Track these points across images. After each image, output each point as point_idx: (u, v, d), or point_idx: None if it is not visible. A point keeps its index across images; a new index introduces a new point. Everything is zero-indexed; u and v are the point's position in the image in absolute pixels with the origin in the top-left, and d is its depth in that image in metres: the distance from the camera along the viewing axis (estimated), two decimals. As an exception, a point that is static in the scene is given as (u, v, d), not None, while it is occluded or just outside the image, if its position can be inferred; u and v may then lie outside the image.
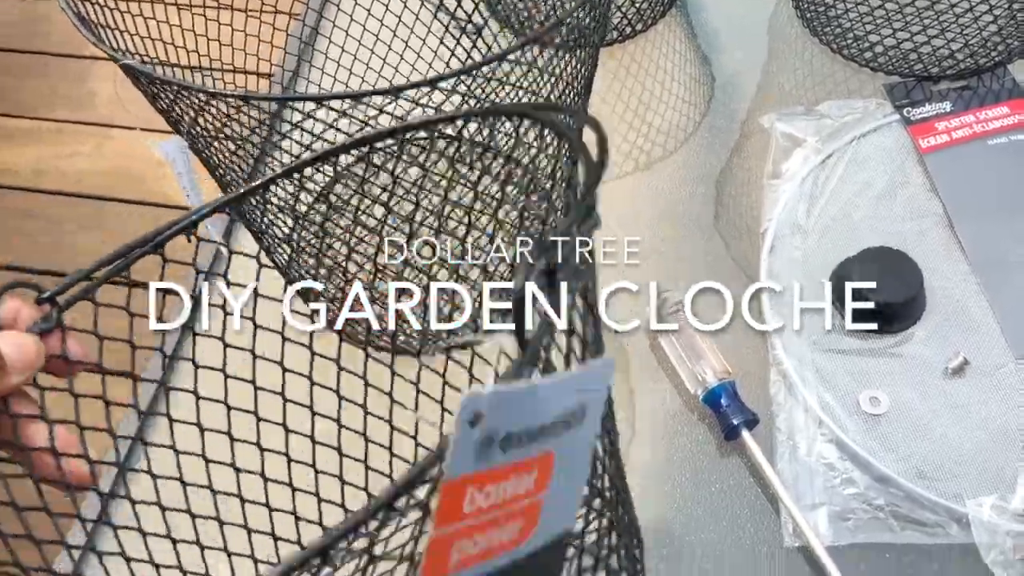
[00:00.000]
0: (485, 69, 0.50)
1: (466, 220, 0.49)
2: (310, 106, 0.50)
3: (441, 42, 0.75)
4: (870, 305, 0.67)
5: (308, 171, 0.46)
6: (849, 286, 0.67)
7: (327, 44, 0.79)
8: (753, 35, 0.87)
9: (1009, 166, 0.73)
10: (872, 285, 0.67)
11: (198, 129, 0.53)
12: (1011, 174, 0.73)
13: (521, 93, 0.59)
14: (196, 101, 0.51)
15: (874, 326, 0.67)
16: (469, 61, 0.75)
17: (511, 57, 0.49)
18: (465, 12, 0.74)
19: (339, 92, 0.47)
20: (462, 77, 0.48)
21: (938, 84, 0.79)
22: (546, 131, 0.41)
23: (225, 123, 0.54)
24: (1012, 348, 0.66)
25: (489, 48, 0.74)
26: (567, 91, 0.61)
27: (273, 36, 0.74)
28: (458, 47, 0.74)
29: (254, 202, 0.53)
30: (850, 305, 0.68)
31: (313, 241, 0.64)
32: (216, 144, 0.54)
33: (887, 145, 0.76)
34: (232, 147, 0.57)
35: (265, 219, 0.58)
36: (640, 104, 0.83)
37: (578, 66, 0.60)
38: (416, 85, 0.46)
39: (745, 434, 0.63)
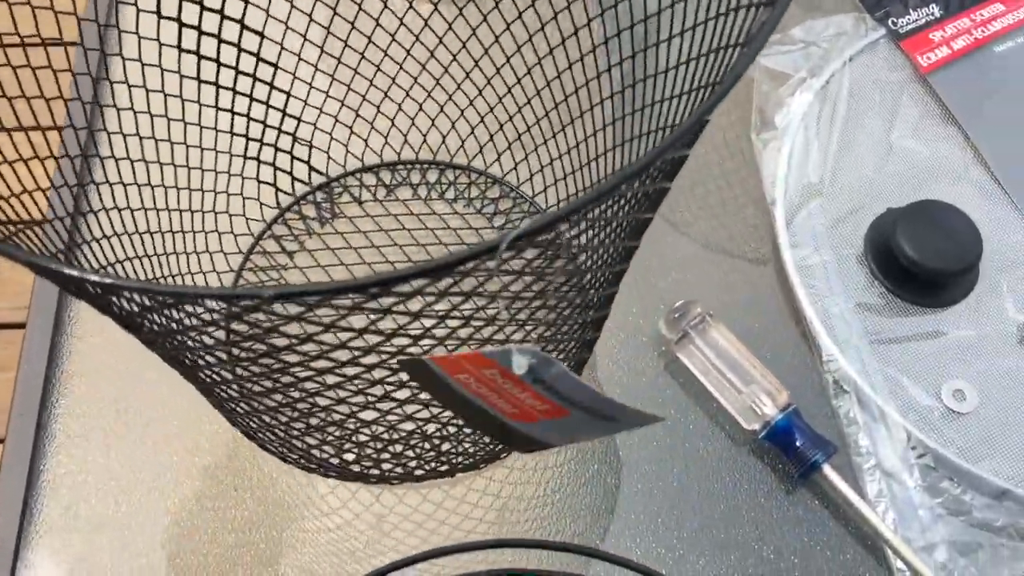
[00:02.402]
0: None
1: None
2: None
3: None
4: (923, 273, 0.55)
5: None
6: (897, 253, 0.54)
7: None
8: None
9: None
10: (923, 251, 0.54)
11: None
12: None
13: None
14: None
15: (933, 299, 0.55)
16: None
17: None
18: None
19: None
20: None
21: (912, -16, 0.67)
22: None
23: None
24: (1089, 298, 0.55)
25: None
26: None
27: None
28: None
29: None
30: (895, 279, 0.56)
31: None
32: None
33: (881, 69, 0.63)
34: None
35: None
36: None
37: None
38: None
39: (828, 470, 0.50)
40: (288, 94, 0.54)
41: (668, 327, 0.53)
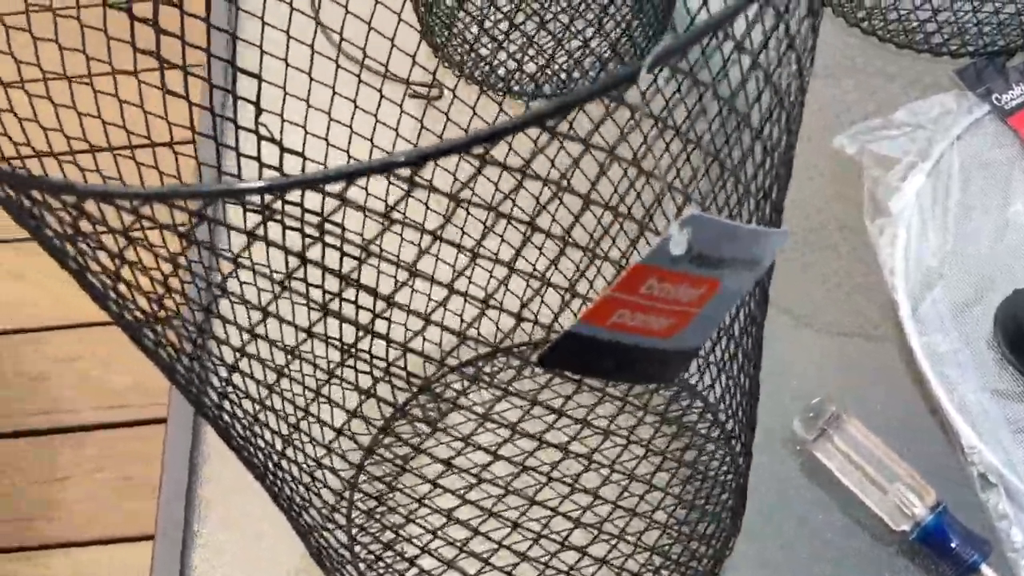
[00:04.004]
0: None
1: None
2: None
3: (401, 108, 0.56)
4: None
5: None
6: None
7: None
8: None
9: None
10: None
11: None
12: None
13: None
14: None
15: (1072, 383, 0.54)
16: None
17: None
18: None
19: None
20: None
21: (1012, 59, 0.66)
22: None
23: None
24: None
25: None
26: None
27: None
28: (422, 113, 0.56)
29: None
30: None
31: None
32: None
33: (990, 146, 0.62)
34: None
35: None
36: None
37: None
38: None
39: (987, 571, 0.49)
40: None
41: (804, 427, 0.53)
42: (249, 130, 0.46)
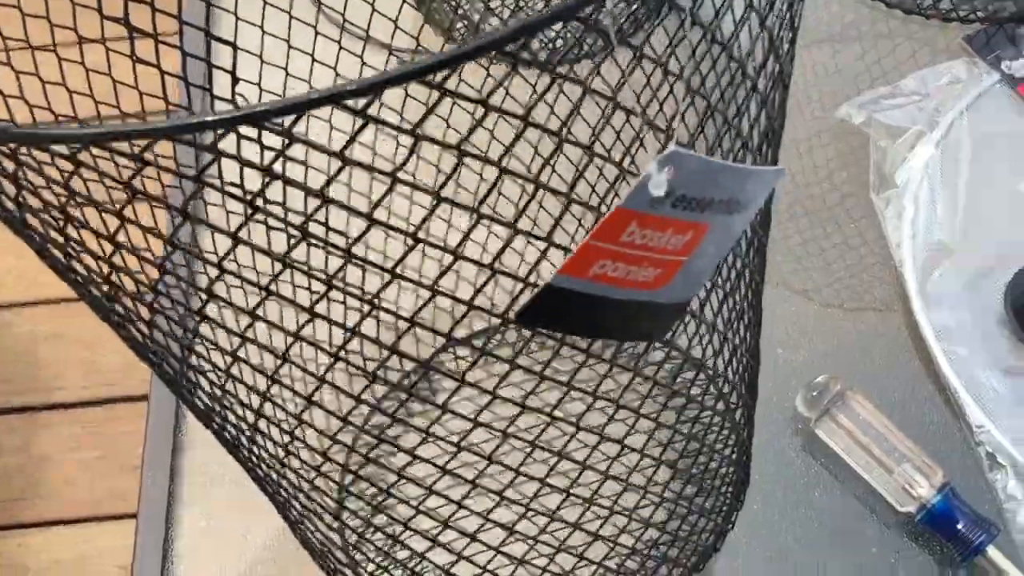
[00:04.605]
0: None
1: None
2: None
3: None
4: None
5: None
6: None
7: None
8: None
9: None
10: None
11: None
12: None
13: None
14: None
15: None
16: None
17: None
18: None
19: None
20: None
21: (1022, 25, 0.64)
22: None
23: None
24: None
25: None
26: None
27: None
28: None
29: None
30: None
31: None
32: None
33: (1001, 116, 0.60)
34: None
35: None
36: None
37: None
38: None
39: (992, 552, 0.47)
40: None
41: (807, 406, 0.51)
42: (226, 100, 0.43)
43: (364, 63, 0.50)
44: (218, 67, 0.43)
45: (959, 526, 0.47)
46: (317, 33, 0.49)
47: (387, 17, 0.49)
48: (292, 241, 0.25)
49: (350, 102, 0.22)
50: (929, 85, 0.61)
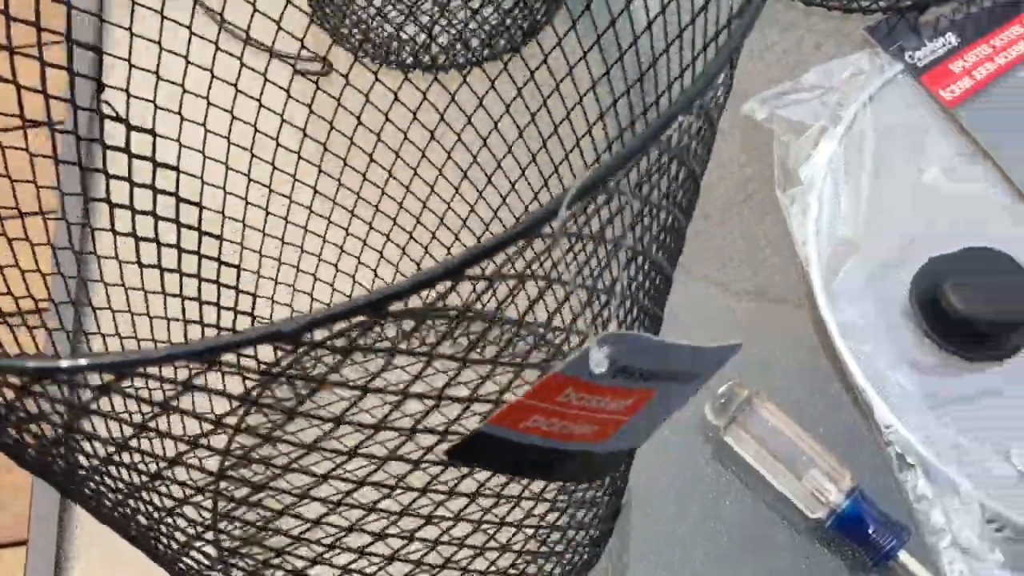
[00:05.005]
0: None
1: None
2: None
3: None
4: (978, 327, 0.51)
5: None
6: (947, 309, 0.51)
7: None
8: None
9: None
10: (976, 303, 0.51)
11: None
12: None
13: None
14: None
15: (991, 352, 0.52)
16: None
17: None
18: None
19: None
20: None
21: (924, 14, 0.64)
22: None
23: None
24: None
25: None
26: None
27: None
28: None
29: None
30: (949, 334, 0.52)
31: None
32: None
33: (904, 107, 0.60)
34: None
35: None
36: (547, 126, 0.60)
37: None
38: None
39: (904, 556, 0.46)
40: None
41: (715, 414, 0.50)
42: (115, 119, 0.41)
43: (244, 65, 0.48)
44: (111, 86, 0.41)
45: (869, 531, 0.46)
46: (192, 34, 0.46)
47: (269, 17, 0.47)
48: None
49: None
50: (832, 78, 0.60)
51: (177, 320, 0.49)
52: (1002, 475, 0.48)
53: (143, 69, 0.44)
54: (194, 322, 0.50)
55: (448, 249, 0.54)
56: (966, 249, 0.53)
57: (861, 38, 0.63)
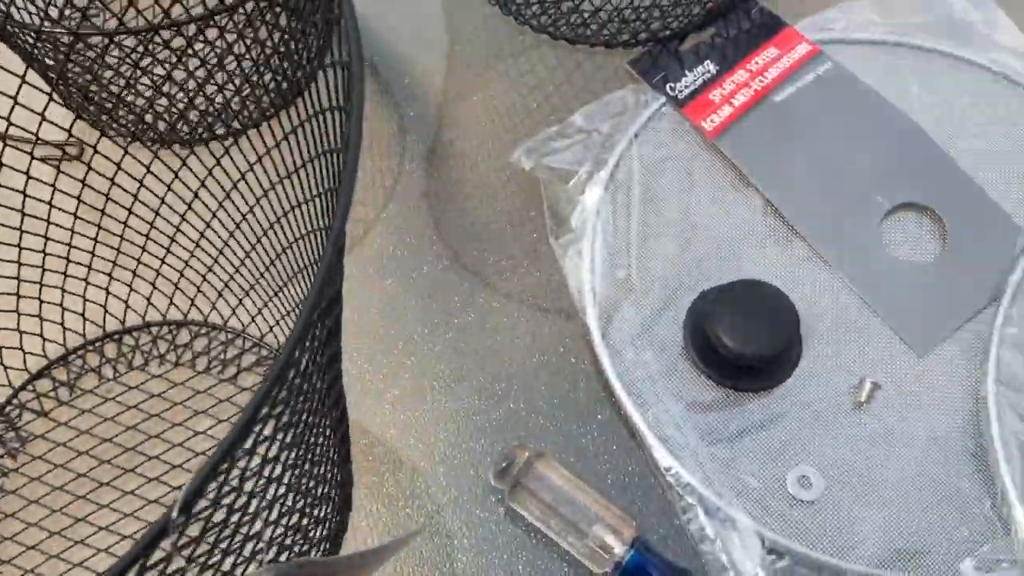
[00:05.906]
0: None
1: None
2: None
3: None
4: (743, 360, 0.53)
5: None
6: (714, 344, 0.53)
7: None
8: (431, 39, 0.68)
9: (808, 124, 0.61)
10: (738, 337, 0.52)
11: None
12: (819, 132, 0.60)
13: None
14: None
15: (761, 383, 0.54)
16: None
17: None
18: None
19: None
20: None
21: (684, 42, 0.65)
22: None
23: None
24: (912, 347, 0.54)
25: None
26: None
27: None
28: None
29: None
30: (718, 369, 0.54)
31: None
32: None
33: (668, 142, 0.61)
34: None
35: None
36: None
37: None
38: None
39: (688, 601, 0.48)
40: None
41: (497, 479, 0.50)
42: None
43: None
44: None
45: (654, 581, 0.48)
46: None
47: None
48: None
49: None
50: (596, 119, 0.61)
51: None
52: (778, 503, 0.50)
53: None
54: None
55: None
56: (734, 283, 0.54)
57: (626, 73, 0.64)
